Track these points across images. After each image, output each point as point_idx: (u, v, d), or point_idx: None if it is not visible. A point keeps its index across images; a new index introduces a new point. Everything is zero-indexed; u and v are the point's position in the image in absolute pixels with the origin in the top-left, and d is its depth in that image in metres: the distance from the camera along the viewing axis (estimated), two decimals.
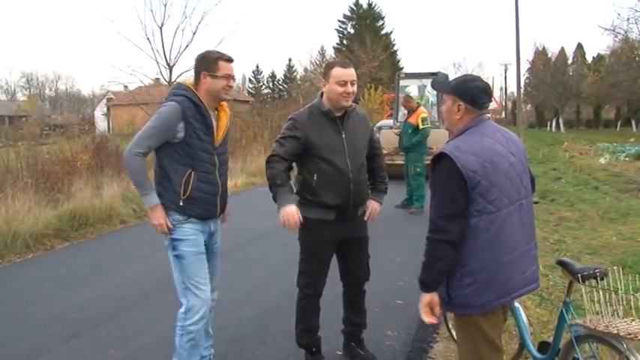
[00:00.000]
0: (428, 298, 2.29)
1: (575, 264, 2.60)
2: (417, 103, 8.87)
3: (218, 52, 2.99)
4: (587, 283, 2.50)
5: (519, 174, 2.32)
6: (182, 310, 2.96)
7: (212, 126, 2.92)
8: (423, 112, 8.57)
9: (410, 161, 8.64)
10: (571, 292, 2.67)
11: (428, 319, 2.31)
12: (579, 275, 2.49)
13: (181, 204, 2.87)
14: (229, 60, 2.94)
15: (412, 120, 8.51)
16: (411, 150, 8.60)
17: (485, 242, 2.21)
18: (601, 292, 2.45)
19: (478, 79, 2.39)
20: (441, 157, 2.23)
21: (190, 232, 2.93)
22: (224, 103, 3.06)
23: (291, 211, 3.00)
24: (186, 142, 2.84)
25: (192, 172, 2.87)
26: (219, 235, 3.18)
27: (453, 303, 2.28)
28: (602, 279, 2.48)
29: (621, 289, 2.47)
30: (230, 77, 2.93)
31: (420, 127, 8.38)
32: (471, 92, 2.31)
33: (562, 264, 2.65)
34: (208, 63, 2.90)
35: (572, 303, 2.66)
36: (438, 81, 2.53)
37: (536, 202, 3.18)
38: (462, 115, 2.32)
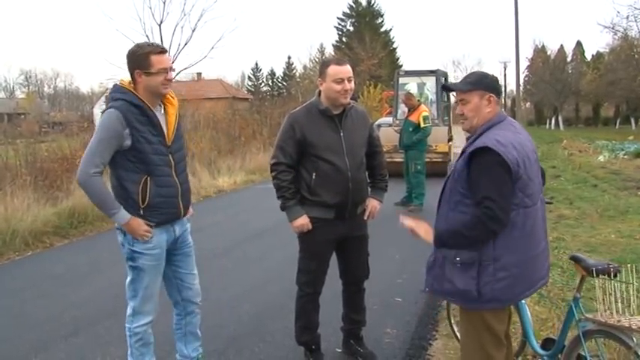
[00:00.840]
0: (428, 239, 2.35)
1: (588, 259, 2.62)
2: (418, 100, 8.85)
3: (149, 46, 2.78)
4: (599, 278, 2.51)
5: (537, 171, 2.39)
6: (129, 312, 2.90)
7: (160, 125, 2.74)
8: (424, 110, 8.57)
9: (410, 159, 8.62)
10: (582, 287, 2.67)
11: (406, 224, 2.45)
12: (594, 269, 2.50)
13: (142, 213, 2.72)
14: (162, 52, 2.72)
15: (413, 118, 8.48)
16: (411, 148, 8.56)
17: (520, 236, 2.24)
18: (615, 285, 2.46)
19: (489, 74, 2.47)
20: (484, 151, 2.22)
21: (152, 246, 2.79)
22: (170, 95, 2.84)
23: (302, 225, 3.14)
24: (135, 148, 2.66)
25: (148, 178, 2.71)
26: (188, 237, 3.04)
27: (482, 299, 2.27)
28: (615, 275, 2.49)
29: (634, 285, 2.48)
30: (166, 70, 2.69)
31: (422, 125, 8.36)
32: (494, 84, 2.40)
33: (575, 259, 2.67)
34: (140, 60, 2.66)
35: (581, 299, 2.66)
36: (454, 83, 2.57)
37: (549, 203, 3.21)
38: (493, 107, 2.37)
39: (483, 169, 2.22)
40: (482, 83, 2.38)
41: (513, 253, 2.24)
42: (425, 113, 8.50)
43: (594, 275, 2.50)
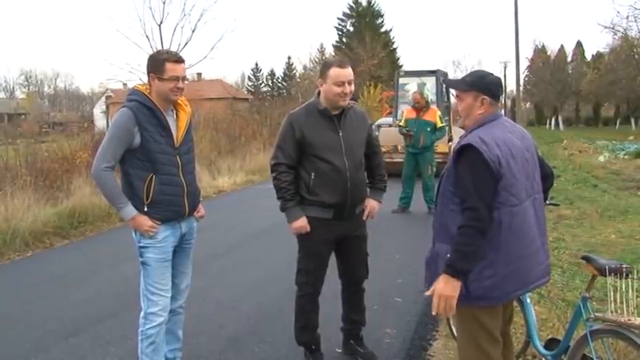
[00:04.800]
0: (458, 286, 2.19)
1: (599, 259, 2.62)
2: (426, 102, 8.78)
3: (166, 53, 2.96)
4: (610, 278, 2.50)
5: (532, 170, 2.38)
6: (142, 314, 2.95)
7: (169, 127, 2.88)
8: (437, 109, 8.57)
9: (427, 161, 8.33)
10: (592, 287, 2.66)
11: (442, 311, 2.24)
12: (606, 268, 2.49)
13: (146, 209, 2.84)
14: (177, 61, 2.85)
15: (429, 118, 8.26)
16: (428, 149, 8.32)
17: (507, 235, 2.24)
18: (628, 284, 2.45)
19: (491, 73, 2.45)
20: (467, 149, 2.24)
21: (156, 240, 2.89)
22: (183, 102, 2.98)
23: (301, 227, 3.15)
24: (143, 146, 2.80)
25: (154, 176, 2.83)
26: (194, 234, 3.12)
27: (470, 296, 2.27)
28: (627, 275, 2.48)
29: None
30: (178, 79, 2.83)
31: (439, 124, 8.26)
32: (491, 86, 2.38)
33: (586, 259, 2.67)
34: (156, 65, 2.83)
35: (590, 299, 2.65)
36: (454, 80, 2.57)
37: (556, 205, 3.18)
38: (485, 109, 2.37)
39: (466, 167, 2.24)
40: (479, 84, 2.38)
41: (500, 252, 2.23)
42: (439, 112, 8.52)
43: (607, 275, 2.48)
